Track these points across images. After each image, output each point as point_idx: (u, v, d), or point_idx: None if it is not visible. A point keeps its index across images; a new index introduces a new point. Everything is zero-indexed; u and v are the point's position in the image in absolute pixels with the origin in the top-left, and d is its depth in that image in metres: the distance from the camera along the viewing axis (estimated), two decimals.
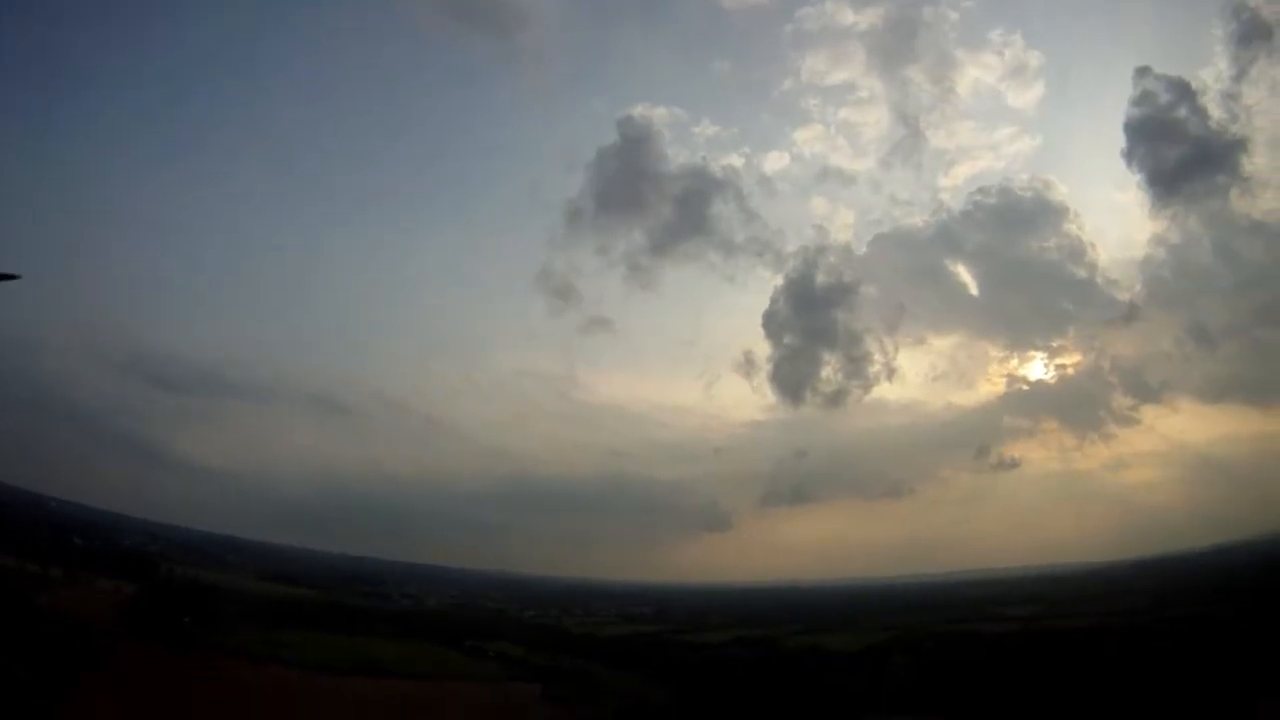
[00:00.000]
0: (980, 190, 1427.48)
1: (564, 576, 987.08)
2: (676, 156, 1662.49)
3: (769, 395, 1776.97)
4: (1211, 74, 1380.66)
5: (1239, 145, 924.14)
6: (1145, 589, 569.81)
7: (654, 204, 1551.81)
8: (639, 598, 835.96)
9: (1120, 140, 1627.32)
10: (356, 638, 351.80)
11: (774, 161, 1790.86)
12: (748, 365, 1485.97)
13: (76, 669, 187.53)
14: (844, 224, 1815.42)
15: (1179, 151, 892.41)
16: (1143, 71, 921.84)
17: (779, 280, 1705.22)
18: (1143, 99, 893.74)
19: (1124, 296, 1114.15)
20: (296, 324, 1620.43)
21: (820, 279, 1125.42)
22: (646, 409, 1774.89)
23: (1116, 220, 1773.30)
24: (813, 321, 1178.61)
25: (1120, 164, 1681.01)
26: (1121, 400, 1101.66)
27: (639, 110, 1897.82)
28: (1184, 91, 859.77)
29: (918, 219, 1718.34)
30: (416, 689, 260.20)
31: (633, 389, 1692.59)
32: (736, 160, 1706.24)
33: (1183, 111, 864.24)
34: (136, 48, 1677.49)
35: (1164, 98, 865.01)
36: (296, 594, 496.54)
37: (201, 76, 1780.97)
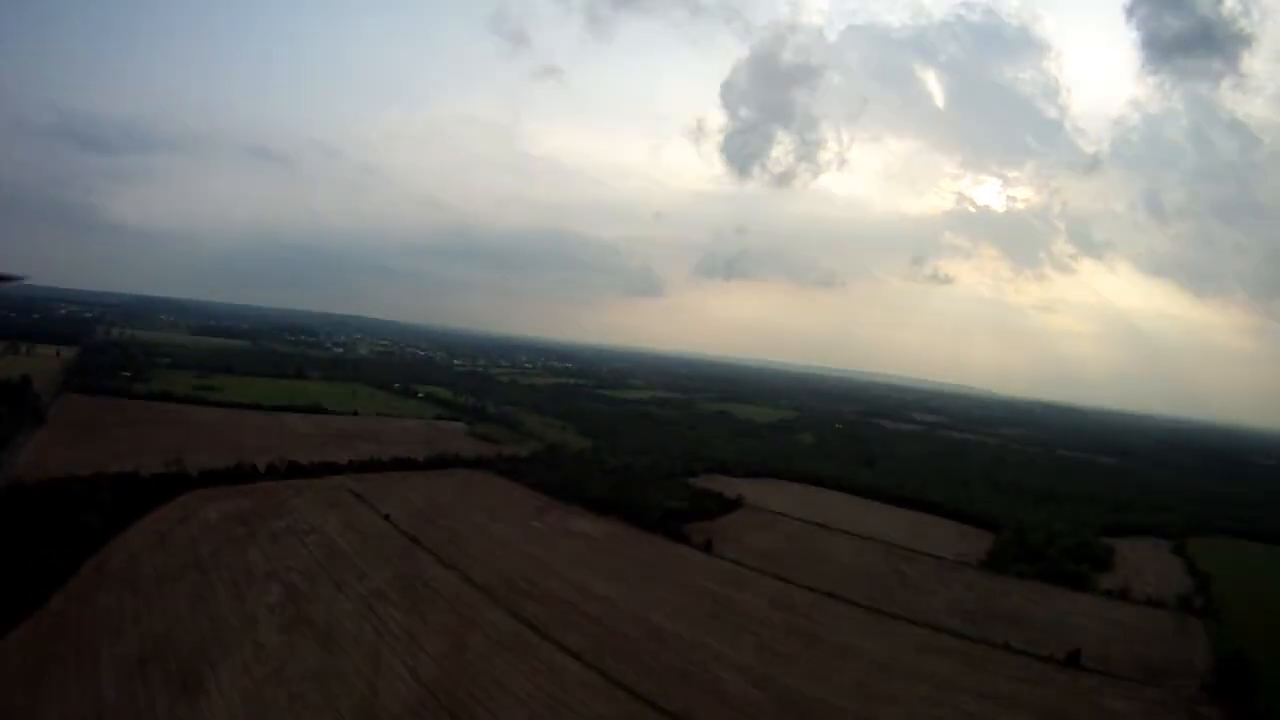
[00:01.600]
0: (966, 4, 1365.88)
1: (493, 333, 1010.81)
2: None
3: (716, 166, 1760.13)
4: None
5: (1244, 41, 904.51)
6: (1045, 427, 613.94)
7: None
8: (565, 355, 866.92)
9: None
10: (289, 380, 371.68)
11: None
12: (699, 133, 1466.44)
13: (22, 423, 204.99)
14: (815, 9, 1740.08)
15: (1183, 24, 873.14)
16: None
17: (744, 51, 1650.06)
18: None
19: (1089, 148, 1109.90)
20: (229, 70, 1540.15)
21: (786, 56, 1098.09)
22: (590, 166, 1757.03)
23: (1099, 72, 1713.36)
24: (772, 98, 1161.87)
25: (1119, 17, 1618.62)
26: (1064, 247, 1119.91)
27: None
28: None
29: (895, 18, 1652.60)
30: (349, 423, 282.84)
31: (578, 144, 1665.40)
32: None
33: None
34: None
35: None
36: (228, 345, 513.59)
37: None
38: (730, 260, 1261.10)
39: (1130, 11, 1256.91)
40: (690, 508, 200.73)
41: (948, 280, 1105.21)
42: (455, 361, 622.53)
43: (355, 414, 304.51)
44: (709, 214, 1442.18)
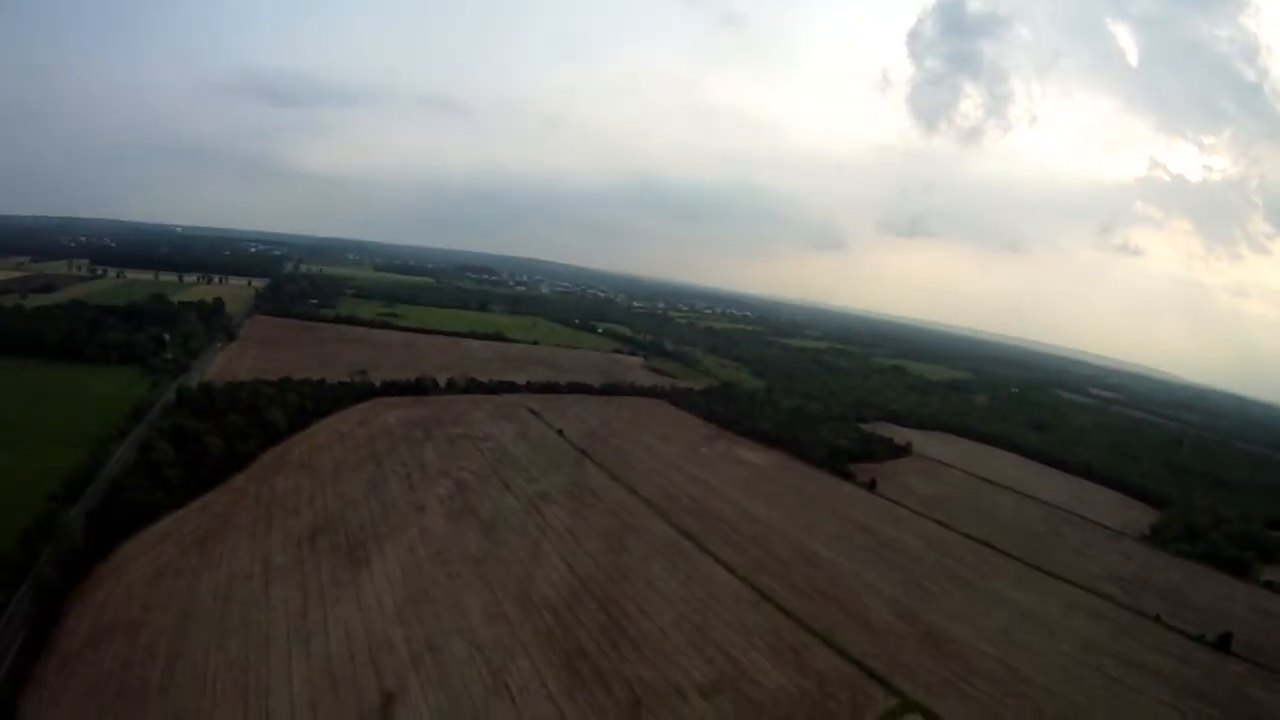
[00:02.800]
0: None
1: (672, 281, 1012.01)
2: None
3: (902, 119, 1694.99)
4: None
5: None
6: (1226, 416, 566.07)
7: None
8: (742, 305, 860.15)
9: None
10: (472, 312, 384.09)
11: None
12: (884, 83, 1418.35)
13: (215, 338, 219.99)
14: None
15: None
16: None
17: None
18: None
19: None
20: (405, 23, 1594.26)
21: (974, 5, 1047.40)
22: (770, 116, 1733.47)
23: None
24: (960, 49, 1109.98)
25: None
26: (1260, 225, 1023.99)
27: None
28: None
29: None
30: (529, 351, 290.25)
31: (758, 94, 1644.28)
32: None
33: None
34: None
35: None
36: (412, 280, 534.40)
37: None
38: (914, 218, 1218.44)
39: None
40: (858, 449, 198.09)
41: (1137, 252, 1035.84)
42: (634, 303, 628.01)
43: (535, 343, 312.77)
44: (893, 168, 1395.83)
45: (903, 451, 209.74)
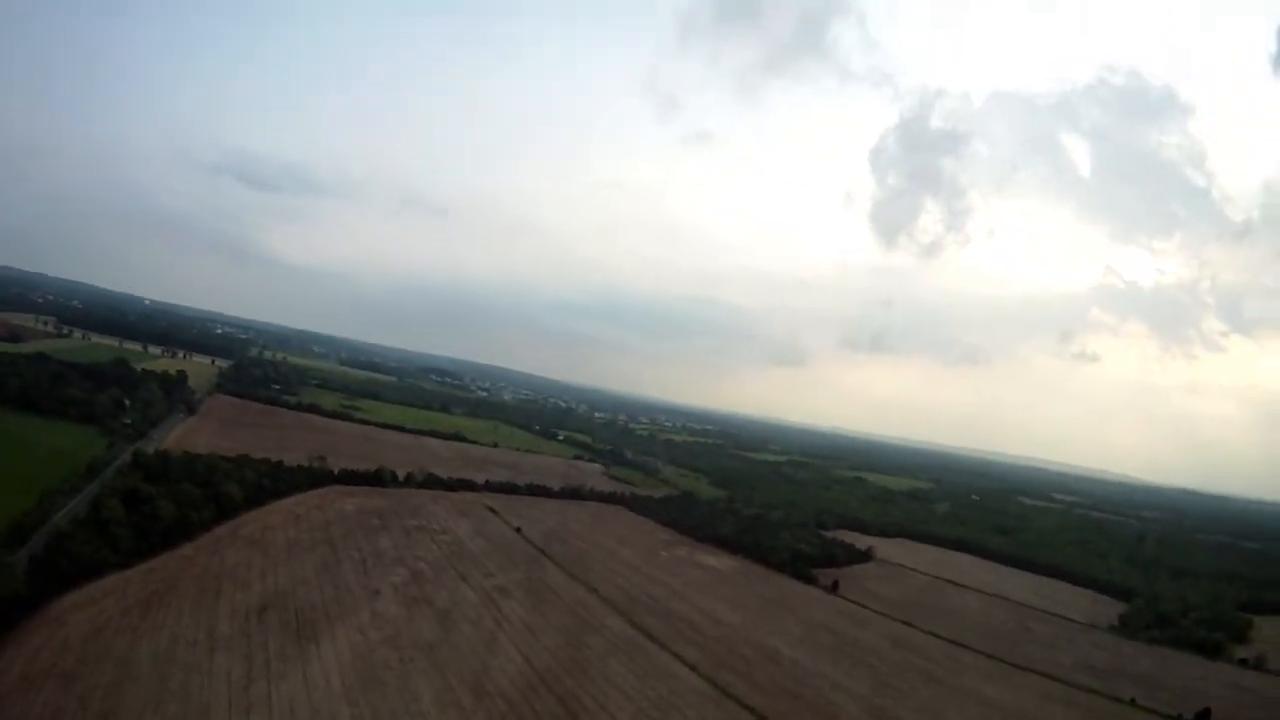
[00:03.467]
0: (1109, 67, 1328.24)
1: (634, 394, 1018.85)
2: None
3: (864, 234, 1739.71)
4: None
5: None
6: (1187, 512, 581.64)
7: (774, 18, 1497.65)
8: (704, 419, 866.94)
9: (1263, 48, 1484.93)
10: (433, 412, 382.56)
11: None
12: (846, 199, 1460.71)
13: (179, 411, 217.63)
14: (961, 74, 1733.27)
15: None
16: None
17: (892, 118, 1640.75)
18: None
19: (1238, 216, 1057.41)
20: (389, 120, 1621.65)
21: (935, 123, 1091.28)
22: (737, 232, 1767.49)
23: (1246, 133, 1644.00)
24: (920, 164, 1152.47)
25: (1261, 77, 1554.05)
26: (1213, 324, 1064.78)
27: None
28: None
29: (1039, 84, 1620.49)
30: (489, 453, 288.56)
31: (725, 210, 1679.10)
32: None
33: None
34: None
35: None
36: (375, 378, 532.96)
37: None
38: (875, 334, 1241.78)
39: (1276, 62, 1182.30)
40: (819, 554, 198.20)
41: (1094, 358, 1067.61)
42: (596, 414, 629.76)
43: (495, 445, 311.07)
44: (855, 284, 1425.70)
45: (865, 556, 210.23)
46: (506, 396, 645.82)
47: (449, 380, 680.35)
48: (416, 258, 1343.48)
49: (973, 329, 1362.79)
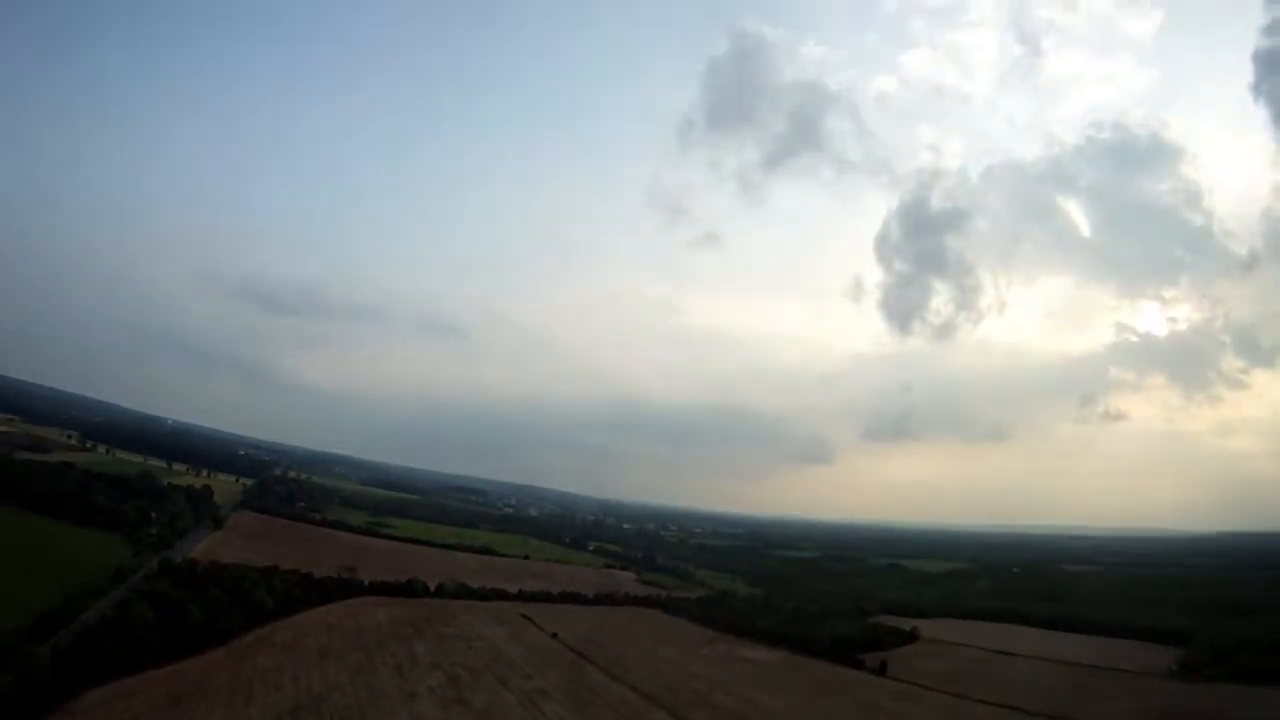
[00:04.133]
0: (1094, 124, 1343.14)
1: (661, 505, 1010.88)
2: (788, 72, 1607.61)
3: (877, 324, 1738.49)
4: None
5: None
6: (1233, 555, 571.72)
7: (767, 117, 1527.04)
8: (735, 523, 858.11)
9: (1245, 76, 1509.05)
10: (460, 528, 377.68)
11: (880, 85, 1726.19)
12: (857, 290, 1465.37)
13: (205, 524, 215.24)
14: (954, 152, 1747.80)
15: None
16: None
17: (893, 203, 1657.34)
18: (1274, 27, 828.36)
19: (1241, 249, 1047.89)
20: (404, 245, 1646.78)
21: (935, 203, 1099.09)
22: (752, 335, 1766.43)
23: (1237, 166, 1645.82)
24: (925, 247, 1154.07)
25: (1242, 105, 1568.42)
26: (1232, 362, 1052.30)
27: (746, 25, 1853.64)
28: None
29: (1028, 152, 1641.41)
30: (519, 564, 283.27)
31: (738, 313, 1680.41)
32: (841, 83, 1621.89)
33: None
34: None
35: None
36: (399, 496, 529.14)
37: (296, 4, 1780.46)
38: (897, 421, 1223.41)
39: (1256, 89, 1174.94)
40: (863, 639, 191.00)
41: (1120, 417, 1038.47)
42: (624, 525, 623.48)
43: (526, 558, 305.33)
44: (873, 374, 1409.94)
45: (910, 637, 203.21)
46: (534, 512, 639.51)
47: (474, 499, 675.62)
48: (436, 378, 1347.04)
49: (994, 405, 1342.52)
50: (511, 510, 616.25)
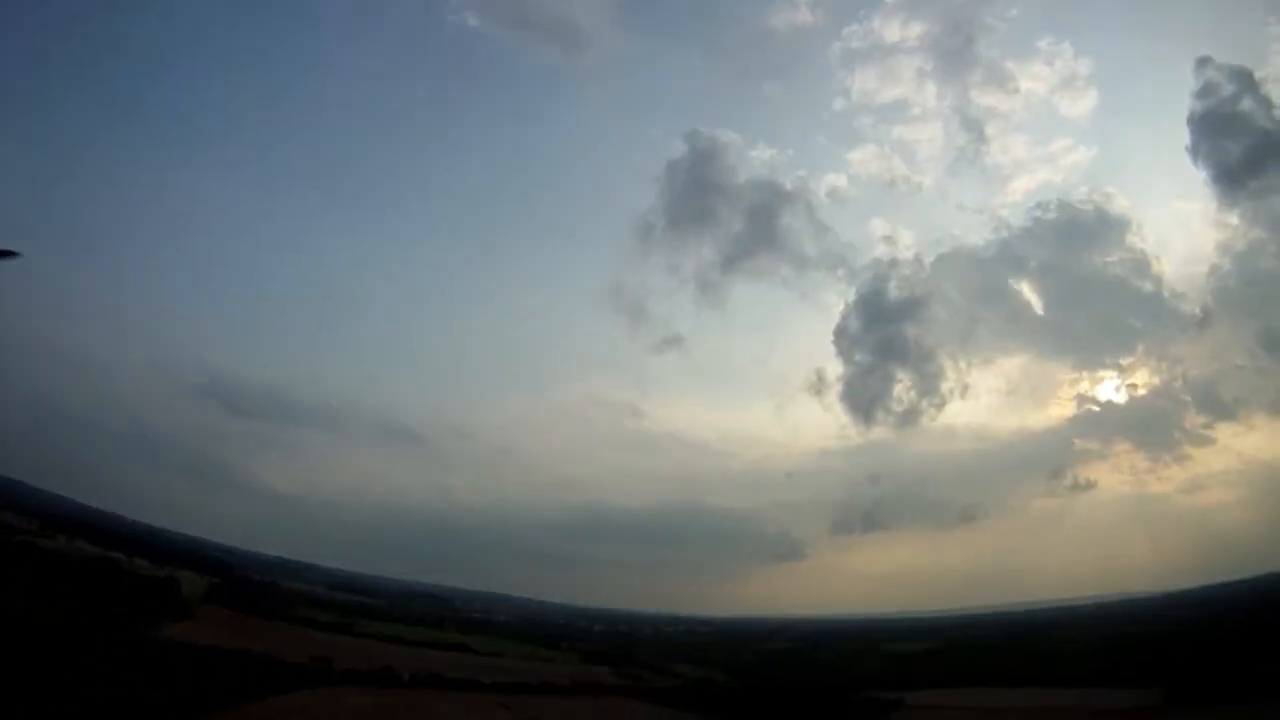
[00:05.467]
0: (1040, 205, 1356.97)
1: (632, 609, 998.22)
2: (741, 173, 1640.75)
3: (841, 417, 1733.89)
4: (1278, 65, 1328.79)
5: None
6: (1209, 605, 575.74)
7: (724, 217, 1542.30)
8: (707, 624, 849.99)
9: (1179, 143, 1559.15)
10: (428, 628, 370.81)
11: (831, 183, 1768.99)
12: (819, 384, 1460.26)
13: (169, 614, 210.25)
14: (907, 242, 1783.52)
15: (1245, 144, 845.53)
16: (1204, 62, 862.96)
17: (850, 296, 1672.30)
18: (1206, 91, 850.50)
19: (1192, 309, 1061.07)
20: (366, 351, 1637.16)
21: (892, 293, 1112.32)
22: (715, 436, 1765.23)
23: (1180, 230, 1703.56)
24: (884, 336, 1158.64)
25: (1181, 172, 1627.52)
26: (1195, 419, 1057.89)
27: (700, 128, 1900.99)
28: (1248, 81, 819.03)
29: (978, 237, 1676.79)
30: (494, 661, 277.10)
31: (701, 415, 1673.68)
32: (794, 182, 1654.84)
33: (1247, 103, 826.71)
34: (187, 80, 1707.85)
35: (1227, 88, 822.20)
36: (365, 600, 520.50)
37: (261, 104, 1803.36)
38: (866, 513, 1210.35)
39: (1193, 151, 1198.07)
40: (847, 716, 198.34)
41: (1089, 486, 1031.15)
42: (595, 627, 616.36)
43: (498, 654, 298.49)
44: (839, 467, 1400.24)
45: (893, 705, 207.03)
46: (502, 617, 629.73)
47: (441, 604, 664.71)
48: (397, 485, 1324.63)
49: (962, 488, 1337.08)
50: (479, 615, 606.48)
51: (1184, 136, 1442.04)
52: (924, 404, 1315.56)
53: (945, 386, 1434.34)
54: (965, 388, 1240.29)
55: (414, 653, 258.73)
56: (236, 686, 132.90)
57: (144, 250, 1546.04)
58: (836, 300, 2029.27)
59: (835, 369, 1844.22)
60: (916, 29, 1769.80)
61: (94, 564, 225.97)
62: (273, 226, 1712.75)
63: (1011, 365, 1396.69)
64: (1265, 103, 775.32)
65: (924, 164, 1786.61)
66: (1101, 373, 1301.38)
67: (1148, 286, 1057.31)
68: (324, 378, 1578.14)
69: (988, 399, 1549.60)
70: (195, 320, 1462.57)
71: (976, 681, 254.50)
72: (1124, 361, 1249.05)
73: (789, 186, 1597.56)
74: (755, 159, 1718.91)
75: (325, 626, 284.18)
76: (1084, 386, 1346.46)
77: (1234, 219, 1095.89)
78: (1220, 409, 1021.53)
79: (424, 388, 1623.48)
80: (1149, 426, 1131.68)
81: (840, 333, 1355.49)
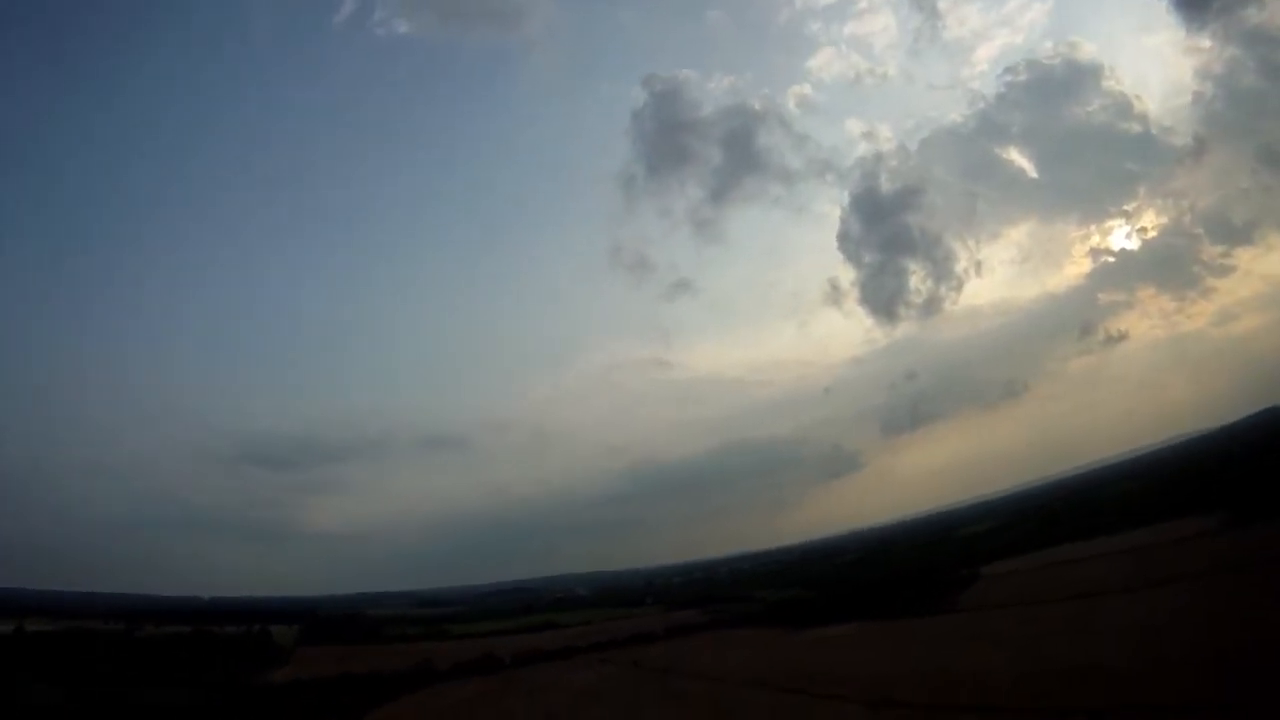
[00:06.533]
0: (1009, 70, 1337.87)
1: (700, 558, 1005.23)
2: (707, 107, 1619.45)
3: (864, 321, 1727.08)
4: None
5: None
6: (1268, 435, 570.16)
7: (701, 152, 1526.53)
8: (780, 554, 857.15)
9: None
10: (517, 618, 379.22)
11: (797, 94, 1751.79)
12: (835, 294, 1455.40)
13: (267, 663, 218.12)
14: (885, 137, 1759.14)
15: None
16: None
17: (844, 200, 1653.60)
18: None
19: (1184, 141, 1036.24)
20: (385, 374, 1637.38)
21: (885, 187, 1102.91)
22: (745, 369, 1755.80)
23: (1154, 64, 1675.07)
24: (888, 231, 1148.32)
25: (1141, 6, 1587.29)
26: (1211, 250, 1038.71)
27: (655, 72, 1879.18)
28: None
29: (956, 114, 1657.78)
30: (584, 630, 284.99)
31: (727, 352, 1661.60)
32: (759, 104, 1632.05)
33: None
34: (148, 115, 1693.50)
35: None
36: (450, 610, 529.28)
37: (232, 121, 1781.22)
38: (912, 410, 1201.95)
39: None
40: (926, 593, 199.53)
41: (1122, 337, 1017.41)
42: (674, 580, 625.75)
43: (588, 623, 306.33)
44: (874, 373, 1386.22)
45: (972, 579, 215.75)
46: (582, 591, 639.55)
47: (520, 594, 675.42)
48: (450, 494, 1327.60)
49: (999, 365, 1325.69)
50: (560, 596, 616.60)
51: None
52: (942, 290, 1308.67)
53: (959, 268, 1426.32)
54: (979, 265, 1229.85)
55: (508, 640, 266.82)
56: (348, 705, 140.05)
57: (143, 334, 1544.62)
58: (832, 208, 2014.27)
59: (847, 275, 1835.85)
60: None
61: (189, 640, 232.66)
62: (255, 274, 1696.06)
63: (1019, 234, 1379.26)
64: None
65: (883, 54, 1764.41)
66: (1109, 222, 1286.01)
67: (1135, 128, 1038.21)
68: (353, 411, 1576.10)
69: (1003, 272, 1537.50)
70: (216, 392, 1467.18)
71: (1048, 544, 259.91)
72: (1128, 207, 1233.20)
73: (757, 106, 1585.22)
74: (716, 90, 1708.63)
75: (417, 638, 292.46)
76: (1095, 240, 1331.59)
77: (1205, 41, 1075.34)
78: (1234, 235, 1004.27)
79: (451, 393, 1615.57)
80: (1167, 267, 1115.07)
81: (843, 238, 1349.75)
